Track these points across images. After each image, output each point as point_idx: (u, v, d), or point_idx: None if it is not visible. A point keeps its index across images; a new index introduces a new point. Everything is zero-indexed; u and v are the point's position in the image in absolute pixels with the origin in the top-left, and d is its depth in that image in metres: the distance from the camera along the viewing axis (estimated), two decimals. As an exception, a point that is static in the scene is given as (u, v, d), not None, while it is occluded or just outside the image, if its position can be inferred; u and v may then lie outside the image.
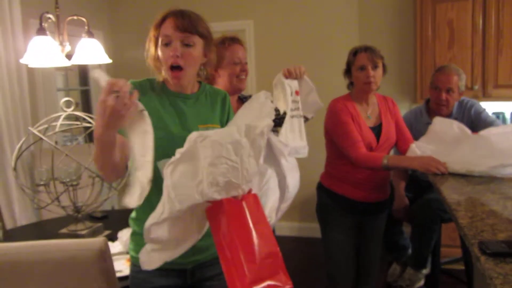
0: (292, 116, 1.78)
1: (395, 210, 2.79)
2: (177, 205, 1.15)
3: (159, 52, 1.46)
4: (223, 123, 1.60)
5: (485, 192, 1.77)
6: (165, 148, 1.33)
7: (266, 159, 1.86)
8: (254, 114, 1.34)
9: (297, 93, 1.83)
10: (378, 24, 4.02)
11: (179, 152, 1.19)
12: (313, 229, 3.54)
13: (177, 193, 1.15)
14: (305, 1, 4.16)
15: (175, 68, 1.43)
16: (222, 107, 1.61)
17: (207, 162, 1.16)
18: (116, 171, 1.36)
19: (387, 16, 4.00)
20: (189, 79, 1.50)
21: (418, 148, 2.28)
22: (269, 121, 1.28)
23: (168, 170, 1.17)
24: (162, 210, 1.17)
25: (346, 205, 2.39)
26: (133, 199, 1.20)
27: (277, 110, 1.89)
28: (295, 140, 1.75)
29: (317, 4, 4.13)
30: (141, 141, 1.23)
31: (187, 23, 1.43)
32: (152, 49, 1.49)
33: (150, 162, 1.22)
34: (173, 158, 1.18)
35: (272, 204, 1.87)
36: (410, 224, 2.82)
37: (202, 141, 1.18)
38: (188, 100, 1.53)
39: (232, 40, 2.11)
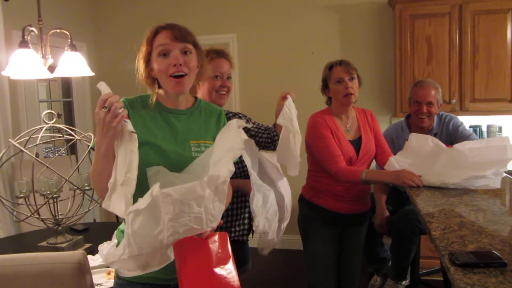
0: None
1: (377, 225, 2.83)
2: (136, 251, 1.19)
3: (155, 65, 1.47)
4: None
5: (459, 204, 1.82)
6: (155, 163, 1.39)
7: (264, 179, 1.92)
8: (225, 146, 1.34)
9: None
10: (359, 39, 4.11)
11: (140, 204, 1.19)
12: (294, 241, 3.56)
13: (136, 241, 1.19)
14: (287, 16, 4.23)
15: (178, 76, 1.46)
16: (217, 123, 1.62)
17: (168, 218, 1.18)
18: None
19: (368, 31, 4.09)
20: (189, 87, 1.52)
21: (396, 162, 2.34)
22: (231, 168, 1.28)
23: (129, 218, 1.19)
24: (122, 251, 1.20)
25: (327, 217, 2.43)
26: (121, 209, 1.24)
27: (272, 133, 1.95)
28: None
29: (300, 19, 4.21)
30: (128, 159, 1.28)
31: (183, 33, 1.48)
32: (142, 66, 1.49)
33: (134, 180, 1.27)
34: (133, 207, 1.20)
35: (275, 225, 1.93)
36: (390, 237, 2.86)
37: (164, 198, 1.17)
38: (181, 115, 1.53)
39: (217, 54, 2.07)
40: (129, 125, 1.32)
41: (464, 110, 3.62)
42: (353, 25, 4.12)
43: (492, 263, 1.16)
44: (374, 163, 2.59)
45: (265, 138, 2.03)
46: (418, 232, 2.67)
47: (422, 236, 2.86)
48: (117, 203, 1.24)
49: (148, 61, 1.49)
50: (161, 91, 1.54)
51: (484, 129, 3.77)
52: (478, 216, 1.63)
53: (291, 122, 1.83)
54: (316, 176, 2.47)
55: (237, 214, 2.14)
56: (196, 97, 1.64)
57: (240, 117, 2.12)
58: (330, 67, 2.41)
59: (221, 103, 2.07)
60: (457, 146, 2.21)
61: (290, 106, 1.87)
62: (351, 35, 4.13)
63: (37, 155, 2.30)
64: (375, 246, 3.02)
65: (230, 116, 2.13)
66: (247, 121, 2.11)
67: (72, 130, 2.47)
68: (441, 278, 3.07)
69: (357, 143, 2.43)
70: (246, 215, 2.16)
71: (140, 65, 1.50)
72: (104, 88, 1.33)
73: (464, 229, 1.48)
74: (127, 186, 1.26)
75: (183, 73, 1.45)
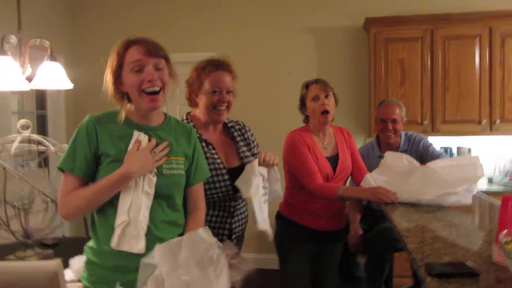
0: (264, 201, 1.90)
1: (351, 244, 2.86)
2: None
3: (127, 80, 1.45)
4: (189, 156, 1.61)
5: (432, 219, 1.87)
6: (126, 181, 1.41)
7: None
8: (196, 259, 1.38)
9: (266, 180, 1.93)
10: (335, 61, 4.21)
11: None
12: (270, 260, 3.55)
13: None
14: (265, 37, 4.30)
15: (152, 92, 1.44)
16: (188, 140, 1.62)
17: None
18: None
19: (344, 54, 4.19)
20: (162, 103, 1.51)
21: (372, 179, 2.38)
22: None
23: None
24: None
25: (305, 234, 2.44)
26: (140, 247, 1.41)
27: None
28: (265, 223, 1.88)
29: (277, 41, 4.28)
30: (143, 200, 1.44)
31: (156, 48, 1.47)
32: (111, 80, 1.47)
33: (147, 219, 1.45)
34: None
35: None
36: (364, 255, 2.89)
37: None
38: (151, 131, 1.52)
39: (215, 66, 1.90)
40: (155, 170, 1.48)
41: (436, 131, 3.73)
42: (329, 48, 4.22)
43: (466, 273, 1.20)
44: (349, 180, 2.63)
45: None
46: (392, 249, 2.71)
47: (395, 255, 2.89)
48: (134, 242, 1.40)
49: (118, 75, 1.47)
50: (130, 106, 1.52)
51: (455, 150, 3.89)
52: (451, 231, 1.68)
53: (246, 186, 1.83)
54: (293, 193, 2.49)
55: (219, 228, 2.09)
56: (165, 114, 1.62)
57: (239, 125, 2.09)
58: (307, 86, 2.47)
59: (220, 119, 1.93)
60: (430, 164, 2.28)
61: (252, 170, 1.86)
62: (328, 57, 4.23)
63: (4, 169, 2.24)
64: (351, 266, 3.04)
65: (232, 125, 2.07)
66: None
67: (47, 141, 2.42)
68: (414, 296, 3.11)
69: (334, 160, 2.46)
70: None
71: (109, 79, 1.48)
72: (142, 138, 1.49)
73: (439, 243, 1.52)
74: (143, 225, 1.41)
75: (158, 89, 1.45)
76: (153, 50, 1.45)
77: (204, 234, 1.43)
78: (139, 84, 1.44)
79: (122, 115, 1.49)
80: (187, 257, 1.37)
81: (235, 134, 2.04)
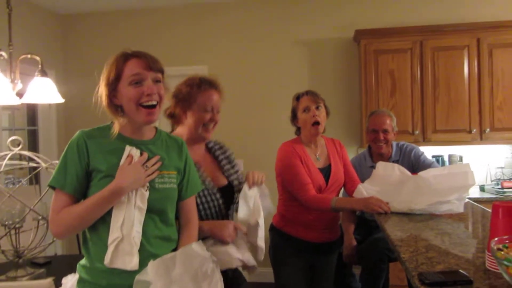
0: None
1: (345, 255, 2.86)
2: None
3: (124, 93, 1.44)
4: (180, 170, 1.60)
5: (425, 228, 1.87)
6: (118, 196, 1.40)
7: None
8: (190, 274, 1.37)
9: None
10: (326, 73, 4.24)
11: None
12: (264, 273, 3.52)
13: None
14: (257, 49, 4.34)
15: (150, 106, 1.45)
16: (179, 154, 1.61)
17: None
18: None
19: (335, 65, 4.23)
20: (158, 116, 1.51)
21: (364, 189, 2.39)
22: None
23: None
24: None
25: (299, 245, 2.43)
26: (133, 263, 1.39)
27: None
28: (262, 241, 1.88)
29: (269, 53, 4.32)
30: (136, 215, 1.42)
31: (155, 62, 1.48)
32: (105, 92, 1.46)
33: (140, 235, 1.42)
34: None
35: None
36: (359, 266, 2.88)
37: None
38: (143, 146, 1.51)
39: (209, 85, 1.90)
40: (148, 185, 1.47)
41: (427, 141, 3.76)
42: (320, 59, 4.26)
43: (459, 281, 1.20)
44: (342, 191, 2.63)
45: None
46: (386, 259, 2.70)
47: (390, 265, 2.89)
48: (127, 259, 1.37)
49: (114, 87, 1.46)
50: (121, 120, 1.50)
51: (446, 158, 3.92)
52: (444, 239, 1.68)
53: (251, 216, 1.83)
54: (287, 205, 2.49)
55: None
56: (156, 128, 1.61)
57: (218, 144, 2.07)
58: (298, 97, 2.48)
59: (207, 137, 1.91)
60: (422, 173, 2.29)
61: (245, 197, 1.85)
62: (319, 69, 4.27)
63: (-3, 185, 2.22)
64: (346, 277, 3.03)
65: (212, 145, 2.04)
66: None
67: (38, 157, 2.40)
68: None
69: (326, 171, 2.47)
70: None
71: (103, 90, 1.46)
72: (134, 152, 1.48)
73: (432, 251, 1.52)
74: (136, 241, 1.39)
75: (155, 103, 1.46)
76: (153, 64, 1.46)
77: (198, 248, 1.42)
78: (137, 97, 1.43)
79: (116, 129, 1.48)
80: (182, 272, 1.35)
81: (217, 153, 2.01)
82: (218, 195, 1.87)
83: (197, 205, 1.74)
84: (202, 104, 1.85)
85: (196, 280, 1.36)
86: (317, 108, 2.41)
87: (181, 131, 1.91)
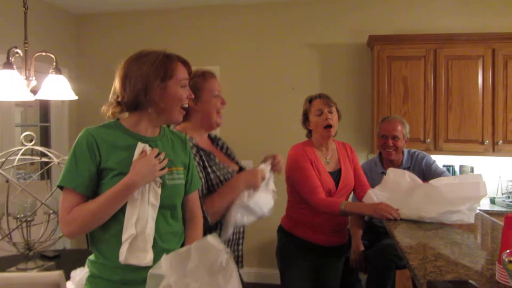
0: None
1: (352, 260, 2.84)
2: None
3: (177, 92, 1.52)
4: (186, 166, 1.62)
5: (435, 237, 1.86)
6: (131, 190, 1.41)
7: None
8: (206, 267, 1.36)
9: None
10: (338, 77, 4.24)
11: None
12: (271, 275, 3.52)
13: None
14: (269, 52, 4.35)
15: (185, 109, 1.58)
16: (184, 150, 1.64)
17: None
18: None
19: (347, 70, 4.22)
20: None
21: (375, 195, 2.38)
22: None
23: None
24: None
25: (306, 248, 2.43)
26: (148, 259, 1.41)
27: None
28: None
29: (281, 56, 4.32)
30: (149, 212, 1.44)
31: (191, 68, 1.63)
32: (157, 83, 1.48)
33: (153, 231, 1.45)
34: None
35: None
36: (365, 273, 2.87)
37: None
38: (152, 142, 1.53)
39: (211, 74, 1.99)
40: (160, 180, 1.49)
41: (438, 150, 3.73)
42: (333, 64, 4.25)
43: (469, 292, 1.19)
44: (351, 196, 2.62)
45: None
46: (394, 266, 2.68)
47: (397, 273, 2.87)
48: (141, 255, 1.40)
49: (164, 85, 1.50)
50: (128, 117, 1.53)
51: (457, 168, 3.88)
52: (453, 249, 1.67)
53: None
54: (295, 207, 2.49)
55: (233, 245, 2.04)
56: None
57: (220, 139, 2.10)
58: (310, 100, 2.48)
59: (220, 122, 1.98)
60: (432, 181, 2.28)
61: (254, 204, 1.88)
62: (331, 73, 4.26)
63: (7, 181, 2.24)
64: (352, 282, 3.02)
65: (214, 135, 2.08)
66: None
67: (50, 152, 2.43)
68: (416, 316, 3.07)
69: (336, 175, 2.47)
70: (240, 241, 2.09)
71: (155, 81, 1.48)
72: (146, 147, 1.49)
73: (441, 260, 1.51)
74: (150, 237, 1.42)
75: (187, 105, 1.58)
76: (191, 71, 1.62)
77: (213, 241, 1.41)
78: (182, 98, 1.54)
79: (120, 125, 1.52)
80: (197, 265, 1.35)
81: (220, 142, 2.06)
82: None
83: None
84: (211, 90, 1.93)
85: (211, 272, 1.35)
86: (329, 111, 2.41)
87: (184, 126, 1.93)
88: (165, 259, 1.33)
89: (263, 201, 1.86)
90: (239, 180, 1.83)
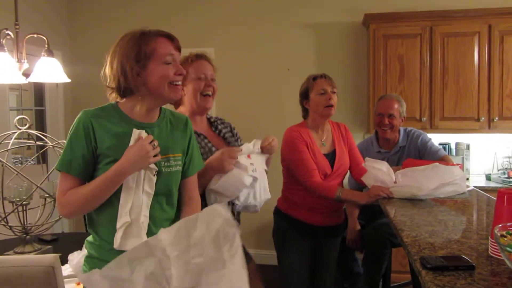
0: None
1: (349, 239, 2.87)
2: None
3: (160, 70, 1.44)
4: (185, 148, 1.60)
5: (428, 214, 1.87)
6: (122, 176, 1.40)
7: None
8: (211, 235, 1.32)
9: (249, 156, 1.90)
10: (334, 57, 4.21)
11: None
12: (269, 256, 3.55)
13: None
14: (264, 32, 4.30)
15: (178, 84, 1.49)
16: (184, 132, 1.61)
17: None
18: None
19: (343, 49, 4.19)
20: None
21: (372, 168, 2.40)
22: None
23: None
24: None
25: (303, 229, 2.45)
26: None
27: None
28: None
29: (276, 36, 4.28)
30: (144, 200, 1.43)
31: (178, 42, 1.52)
32: (132, 65, 1.42)
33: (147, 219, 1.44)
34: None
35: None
36: (362, 253, 2.90)
37: None
38: (148, 129, 1.50)
39: (197, 57, 1.97)
40: (156, 168, 1.46)
41: (434, 128, 3.73)
42: (328, 43, 4.22)
43: (461, 266, 1.20)
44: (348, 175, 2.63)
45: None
46: (389, 244, 2.71)
47: (393, 251, 2.90)
48: (136, 242, 1.37)
49: (143, 64, 1.43)
50: (125, 102, 1.50)
51: (453, 146, 3.89)
52: (447, 225, 1.68)
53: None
54: (291, 188, 2.50)
55: None
56: (160, 108, 1.59)
57: (221, 119, 2.10)
58: (314, 78, 2.45)
59: (208, 106, 1.95)
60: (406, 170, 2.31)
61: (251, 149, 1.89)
62: (327, 53, 4.23)
63: (2, 165, 2.24)
64: (349, 262, 3.05)
65: (215, 119, 2.07)
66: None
67: (45, 136, 2.42)
68: (412, 292, 3.12)
69: (331, 157, 2.47)
70: None
71: (128, 64, 1.42)
72: (142, 133, 1.46)
73: (435, 237, 1.52)
74: (145, 225, 1.42)
75: (180, 82, 1.50)
76: (179, 46, 1.52)
77: (221, 209, 1.39)
78: (168, 75, 1.45)
79: (118, 109, 1.49)
80: (203, 233, 1.32)
81: (219, 127, 2.04)
82: None
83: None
84: (195, 74, 1.92)
85: (216, 243, 1.31)
86: (332, 92, 2.41)
87: (183, 109, 1.95)
88: (164, 231, 1.31)
89: (234, 183, 1.79)
90: (208, 164, 1.78)
